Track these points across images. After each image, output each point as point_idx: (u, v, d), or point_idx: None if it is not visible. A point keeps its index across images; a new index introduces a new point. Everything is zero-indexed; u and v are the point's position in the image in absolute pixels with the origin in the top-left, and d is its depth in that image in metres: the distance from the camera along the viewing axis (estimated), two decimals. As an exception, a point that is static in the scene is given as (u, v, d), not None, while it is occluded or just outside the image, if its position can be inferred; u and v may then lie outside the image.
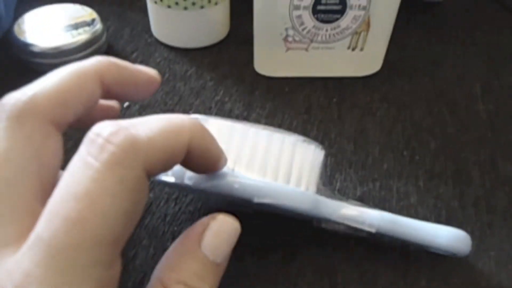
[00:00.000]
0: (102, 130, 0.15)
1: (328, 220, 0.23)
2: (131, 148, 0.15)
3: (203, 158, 0.19)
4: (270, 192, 0.22)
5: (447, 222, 0.27)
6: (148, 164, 0.16)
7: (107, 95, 0.20)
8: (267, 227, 0.26)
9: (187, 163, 0.19)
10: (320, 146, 0.24)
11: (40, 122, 0.17)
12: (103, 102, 0.23)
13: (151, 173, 0.16)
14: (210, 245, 0.18)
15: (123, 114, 0.33)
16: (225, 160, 0.21)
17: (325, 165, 0.24)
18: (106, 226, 0.15)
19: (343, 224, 0.24)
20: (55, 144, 0.18)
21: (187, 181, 0.22)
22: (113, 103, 0.24)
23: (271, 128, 0.24)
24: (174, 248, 0.18)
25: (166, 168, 0.17)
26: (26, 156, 0.16)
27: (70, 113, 0.18)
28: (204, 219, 0.19)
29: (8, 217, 0.15)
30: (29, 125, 0.17)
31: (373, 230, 0.24)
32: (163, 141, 0.16)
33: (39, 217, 0.15)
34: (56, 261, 0.14)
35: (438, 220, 0.27)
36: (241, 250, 0.25)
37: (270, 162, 0.23)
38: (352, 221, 0.24)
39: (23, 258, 0.14)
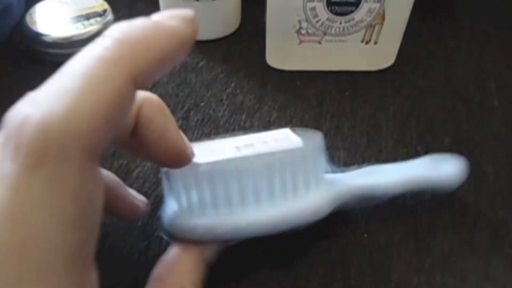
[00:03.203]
0: (13, 122, 0.12)
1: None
2: (46, 142, 0.11)
3: (164, 141, 0.17)
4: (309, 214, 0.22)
5: (462, 217, 0.27)
6: (81, 145, 0.12)
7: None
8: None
9: (143, 144, 0.17)
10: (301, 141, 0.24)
11: (74, 159, 0.12)
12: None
13: (97, 152, 0.12)
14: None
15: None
16: (192, 153, 0.19)
17: (319, 149, 0.24)
18: (51, 245, 0.12)
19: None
20: (95, 185, 0.13)
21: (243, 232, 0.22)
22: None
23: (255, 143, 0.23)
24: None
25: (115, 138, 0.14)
26: (55, 219, 0.12)
27: (107, 139, 0.13)
28: None
29: None
30: (57, 167, 0.12)
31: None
32: (89, 105, 0.12)
33: None
34: None
35: (452, 216, 0.27)
36: (254, 244, 0.25)
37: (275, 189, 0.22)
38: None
39: None
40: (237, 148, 0.22)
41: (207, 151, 0.22)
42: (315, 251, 0.25)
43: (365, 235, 0.26)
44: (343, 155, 0.30)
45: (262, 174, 0.22)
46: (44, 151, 0.11)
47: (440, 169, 0.26)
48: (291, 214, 0.22)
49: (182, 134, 0.19)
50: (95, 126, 0.12)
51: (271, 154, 0.22)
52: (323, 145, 0.24)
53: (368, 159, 0.30)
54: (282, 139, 0.23)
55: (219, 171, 0.21)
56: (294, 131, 0.24)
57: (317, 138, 0.24)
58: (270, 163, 0.21)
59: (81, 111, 0.12)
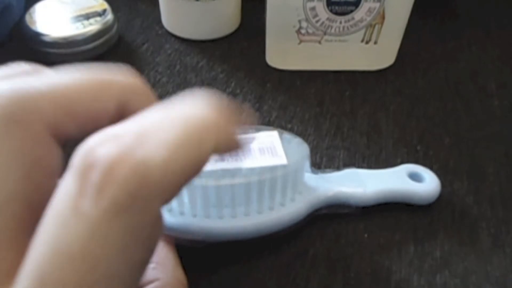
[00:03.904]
0: (98, 155, 0.11)
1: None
2: (142, 186, 0.11)
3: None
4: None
5: (462, 217, 0.27)
6: (164, 197, 0.12)
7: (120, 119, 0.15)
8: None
9: None
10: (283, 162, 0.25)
11: (37, 130, 0.13)
12: None
13: (166, 204, 0.13)
14: None
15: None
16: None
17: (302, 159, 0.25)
18: None
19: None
20: (53, 159, 0.13)
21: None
22: None
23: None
24: None
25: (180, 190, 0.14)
26: (14, 174, 0.12)
27: (74, 126, 0.14)
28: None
29: None
30: (23, 132, 0.12)
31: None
32: (182, 160, 0.12)
33: (20, 271, 0.11)
34: None
35: (452, 216, 0.27)
36: (253, 244, 0.25)
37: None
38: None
39: None
40: (219, 155, 0.23)
41: None
42: (315, 251, 0.25)
43: (365, 235, 0.25)
44: (343, 155, 0.30)
45: (241, 188, 0.22)
46: (132, 200, 0.11)
47: (416, 183, 0.26)
48: (265, 223, 0.23)
49: None
50: (182, 180, 0.12)
51: (252, 170, 0.22)
52: (307, 153, 0.25)
53: (368, 159, 0.30)
54: (268, 149, 0.24)
55: (198, 183, 0.22)
56: (281, 136, 0.25)
57: (302, 147, 0.25)
58: (250, 180, 0.22)
59: (176, 164, 0.12)
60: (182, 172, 0.12)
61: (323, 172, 0.27)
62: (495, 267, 0.24)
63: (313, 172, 0.26)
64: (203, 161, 0.13)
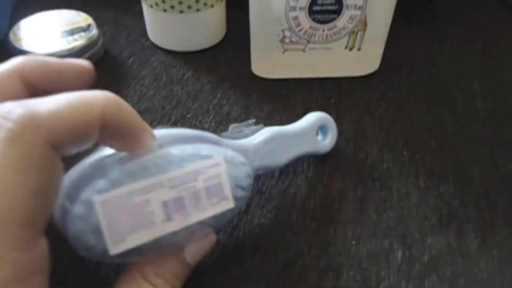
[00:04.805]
0: (1, 109, 0.15)
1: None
2: (29, 123, 0.15)
3: (123, 132, 0.18)
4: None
5: (449, 221, 0.27)
6: (53, 138, 0.15)
7: (34, 91, 0.20)
8: (268, 229, 0.26)
9: (107, 138, 0.18)
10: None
11: (42, 144, 0.16)
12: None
13: (59, 147, 0.16)
14: (192, 252, 0.21)
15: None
16: (152, 136, 0.20)
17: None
18: (13, 205, 0.14)
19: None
20: (55, 169, 0.16)
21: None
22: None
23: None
24: None
25: (78, 141, 0.17)
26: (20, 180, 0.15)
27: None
28: None
29: None
30: (25, 148, 0.15)
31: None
32: (69, 113, 0.16)
33: None
34: None
35: (439, 220, 0.27)
36: (242, 253, 0.25)
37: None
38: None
39: None
40: (165, 211, 0.20)
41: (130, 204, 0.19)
42: (303, 260, 0.25)
43: (353, 242, 0.26)
44: (330, 161, 0.30)
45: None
46: (21, 131, 0.15)
47: (321, 140, 0.30)
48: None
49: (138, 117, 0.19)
50: (70, 128, 0.16)
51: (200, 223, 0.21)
52: (251, 175, 0.23)
53: (355, 165, 0.30)
54: (215, 188, 0.22)
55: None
56: (226, 160, 0.22)
57: (245, 168, 0.23)
58: (193, 228, 0.21)
59: (62, 114, 0.16)
60: (68, 121, 0.16)
61: (235, 137, 0.26)
62: (482, 270, 0.25)
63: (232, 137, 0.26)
64: (90, 120, 0.17)
